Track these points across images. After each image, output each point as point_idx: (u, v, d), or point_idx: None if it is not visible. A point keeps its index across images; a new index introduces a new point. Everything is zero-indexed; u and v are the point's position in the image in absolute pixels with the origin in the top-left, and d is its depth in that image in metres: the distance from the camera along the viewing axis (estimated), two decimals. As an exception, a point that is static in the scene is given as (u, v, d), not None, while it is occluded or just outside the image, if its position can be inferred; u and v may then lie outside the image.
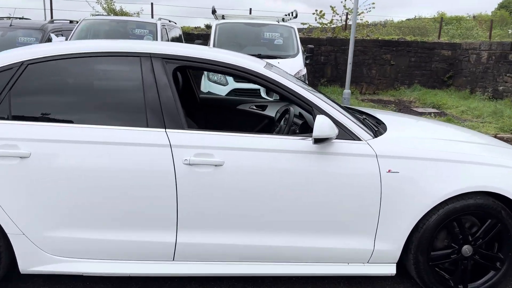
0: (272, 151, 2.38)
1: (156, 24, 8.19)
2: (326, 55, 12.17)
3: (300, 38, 8.31)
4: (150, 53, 2.44)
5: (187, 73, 3.71)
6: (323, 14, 13.93)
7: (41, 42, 7.82)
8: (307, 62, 7.96)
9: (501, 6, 35.83)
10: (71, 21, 9.86)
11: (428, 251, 2.51)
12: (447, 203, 2.45)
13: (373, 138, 2.49)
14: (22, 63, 2.36)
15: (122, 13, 14.02)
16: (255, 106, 3.96)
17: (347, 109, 2.93)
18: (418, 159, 2.44)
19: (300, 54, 7.61)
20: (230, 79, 6.82)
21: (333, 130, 2.30)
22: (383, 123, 2.99)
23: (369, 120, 2.95)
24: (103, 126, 2.33)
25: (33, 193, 2.26)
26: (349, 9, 14.03)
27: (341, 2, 13.89)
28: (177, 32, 9.91)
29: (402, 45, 12.34)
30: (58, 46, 2.45)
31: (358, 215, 2.44)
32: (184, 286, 2.68)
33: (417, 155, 2.45)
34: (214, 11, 8.37)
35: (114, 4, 14.18)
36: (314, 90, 2.90)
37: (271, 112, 3.93)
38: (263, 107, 3.96)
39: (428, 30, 22.36)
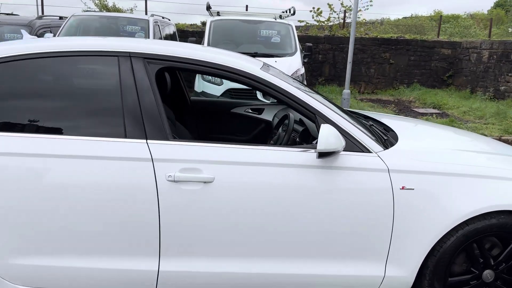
0: (269, 166, 2.08)
1: (148, 21, 7.87)
2: (324, 54, 11.88)
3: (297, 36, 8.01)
4: (129, 52, 2.14)
5: (176, 73, 3.40)
6: (320, 12, 13.65)
7: (27, 39, 7.47)
8: (305, 61, 7.66)
9: (497, 5, 35.73)
10: (60, 17, 9.53)
11: (445, 277, 2.23)
12: (467, 223, 2.17)
13: (384, 149, 2.20)
14: None
15: (115, 9, 13.67)
16: (251, 109, 3.66)
17: (351, 114, 2.63)
18: (436, 174, 2.16)
19: (298, 52, 7.32)
20: (224, 78, 6.53)
21: (340, 142, 2.01)
22: (392, 131, 2.70)
23: (376, 127, 2.66)
24: (72, 137, 2.03)
25: None
26: (347, 7, 13.78)
27: (339, -1, 13.62)
28: (171, 29, 9.59)
29: (401, 43, 12.06)
30: (18, 45, 2.15)
31: (367, 237, 2.16)
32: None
33: (435, 169, 2.17)
34: (208, 7, 8.06)
35: (106, 0, 13.83)
36: (315, 92, 2.61)
37: (268, 115, 3.63)
38: (260, 111, 3.67)
39: (425, 28, 22.14)
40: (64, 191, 1.98)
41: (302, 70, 7.07)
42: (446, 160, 2.25)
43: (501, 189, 2.19)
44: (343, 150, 2.10)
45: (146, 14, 12.16)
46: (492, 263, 2.28)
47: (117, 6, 13.85)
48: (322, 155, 2.02)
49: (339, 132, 2.08)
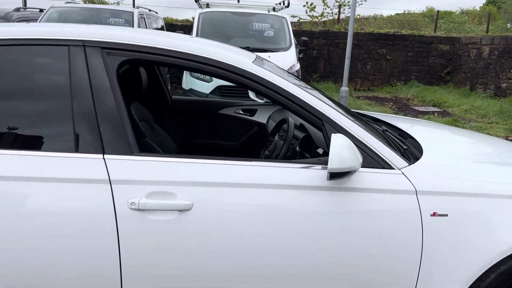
0: (265, 188, 1.62)
1: (132, 13, 7.35)
2: (319, 49, 11.43)
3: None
4: (83, 41, 1.65)
5: (154, 67, 2.92)
6: (314, 7, 13.20)
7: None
8: (300, 56, 7.20)
9: (489, 2, 35.51)
10: (41, 10, 8.96)
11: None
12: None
13: (409, 165, 1.74)
14: None
15: (101, 1, 13.08)
16: (242, 110, 3.19)
17: (361, 118, 2.17)
18: (475, 195, 1.71)
19: (293, 47, 6.84)
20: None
21: (357, 158, 1.55)
22: (411, 137, 2.24)
23: (391, 133, 2.20)
24: (3, 151, 1.55)
25: None
26: (341, 2, 13.34)
27: (333, -7, 13.17)
28: (158, 23, 9.07)
29: (398, 39, 11.65)
30: None
31: (388, 277, 1.70)
32: None
33: (474, 190, 1.72)
34: (197, -1, 7.55)
35: (92, -7, 13.23)
36: (318, 91, 2.14)
37: (261, 117, 3.17)
38: (252, 112, 3.20)
39: (418, 25, 21.80)
40: None
41: (298, 66, 6.60)
42: (486, 177, 1.80)
43: None
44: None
45: (134, 7, 11.60)
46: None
47: (103, -1, 13.27)
48: (334, 175, 1.56)
49: (355, 144, 1.62)
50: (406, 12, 28.00)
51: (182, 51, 1.71)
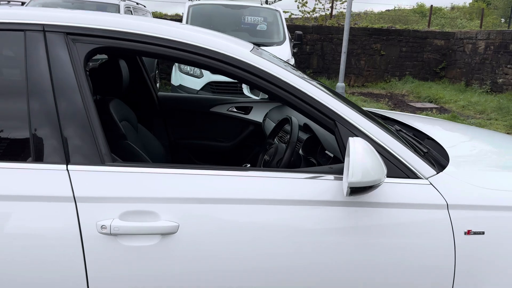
0: (267, 203, 1.34)
1: (118, 6, 7.01)
2: (312, 44, 11.15)
3: (285, 24, 7.23)
4: (43, 25, 1.35)
5: (137, 59, 2.61)
6: (306, 2, 12.91)
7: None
8: (295, 51, 6.92)
9: (477, -2, 35.58)
10: (22, 3, 8.57)
11: None
12: None
13: (437, 173, 1.47)
14: None
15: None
16: (236, 108, 2.90)
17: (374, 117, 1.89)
18: None
19: (287, 41, 6.56)
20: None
21: (382, 170, 1.27)
22: (429, 138, 1.97)
23: (406, 134, 1.92)
24: None
25: None
26: (334, -3, 13.10)
27: (326, -12, 12.91)
28: (146, 17, 8.72)
29: (392, 34, 11.41)
30: None
31: None
32: None
33: None
34: (186, -9, 7.22)
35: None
36: (326, 87, 1.86)
37: (257, 115, 2.88)
38: (247, 109, 2.91)
39: (409, 21, 21.66)
40: None
41: (292, 61, 6.32)
42: None
43: None
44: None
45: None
46: None
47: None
48: (355, 190, 1.27)
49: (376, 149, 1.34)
50: (396, 8, 27.90)
51: (166, 37, 1.42)
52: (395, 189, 1.39)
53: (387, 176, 1.39)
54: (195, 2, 6.99)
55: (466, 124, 2.62)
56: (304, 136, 2.09)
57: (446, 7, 28.87)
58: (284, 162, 1.68)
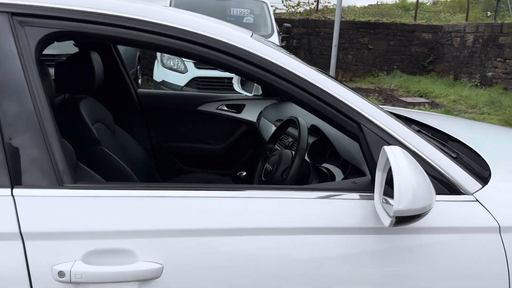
0: (278, 233, 1.04)
1: None
2: (299, 38, 10.88)
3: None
4: None
5: (112, 51, 2.28)
6: (290, -5, 12.60)
7: None
8: (283, 44, 6.62)
9: (459, -8, 35.81)
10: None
11: None
12: None
13: (482, 186, 1.19)
14: None
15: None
16: (227, 105, 2.59)
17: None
18: None
19: (276, 34, 6.26)
20: (190, 64, 5.36)
21: (431, 190, 0.97)
22: (455, 141, 1.69)
23: (429, 135, 1.63)
24: None
25: None
26: (320, -10, 12.82)
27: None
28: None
29: (380, 27, 11.22)
30: None
31: None
32: None
33: None
34: (168, -18, 6.83)
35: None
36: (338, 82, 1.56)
37: (251, 114, 2.58)
38: (239, 107, 2.61)
39: (392, 15, 21.56)
40: None
41: (281, 55, 6.01)
42: None
43: None
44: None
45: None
46: None
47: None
48: (401, 221, 0.97)
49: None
50: (379, 3, 27.83)
51: (143, 19, 1.10)
52: (437, 209, 1.10)
53: None
54: (177, -7, 6.62)
55: (486, 123, 2.34)
56: (309, 139, 1.79)
57: (428, 2, 28.95)
58: (292, 173, 1.38)
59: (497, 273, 1.12)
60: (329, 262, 1.05)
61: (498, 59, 9.45)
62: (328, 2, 13.11)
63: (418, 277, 1.09)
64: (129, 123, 2.40)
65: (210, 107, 2.57)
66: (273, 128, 2.18)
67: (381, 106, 1.28)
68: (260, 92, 2.64)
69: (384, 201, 1.04)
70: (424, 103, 8.16)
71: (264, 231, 1.03)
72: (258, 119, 2.49)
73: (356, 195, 1.11)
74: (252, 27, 6.47)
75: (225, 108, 2.58)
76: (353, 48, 11.19)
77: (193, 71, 5.35)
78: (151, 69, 8.23)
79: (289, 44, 10.67)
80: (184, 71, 5.42)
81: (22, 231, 0.92)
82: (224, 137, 2.58)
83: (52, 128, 0.99)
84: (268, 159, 1.59)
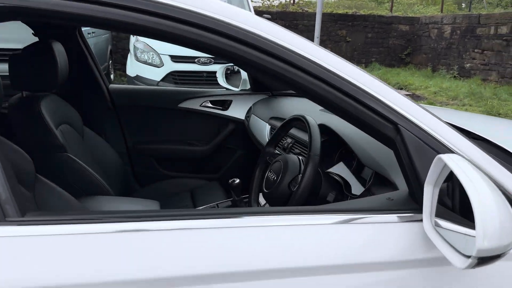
0: (289, 274, 0.79)
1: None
2: (276, 31, 10.62)
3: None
4: None
5: (78, 41, 1.98)
6: (265, -11, 12.34)
7: None
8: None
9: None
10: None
11: None
12: None
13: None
14: None
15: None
16: (211, 102, 2.32)
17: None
18: None
19: (255, 25, 5.98)
20: (166, 57, 5.03)
21: None
22: (477, 138, 1.47)
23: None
24: None
25: None
26: (295, -17, 12.59)
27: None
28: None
29: (358, 19, 11.10)
30: None
31: None
32: None
33: None
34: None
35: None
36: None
37: (238, 111, 2.32)
38: (225, 104, 2.34)
39: (366, 8, 21.58)
40: None
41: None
42: None
43: None
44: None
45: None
46: None
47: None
48: (483, 261, 0.73)
49: None
50: (351, -5, 27.88)
51: None
52: None
53: None
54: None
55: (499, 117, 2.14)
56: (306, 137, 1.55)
57: (401, -5, 29.17)
58: (304, 184, 1.12)
59: None
60: None
61: (476, 50, 9.45)
62: (301, -6, 12.95)
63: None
64: (100, 123, 2.11)
65: (193, 104, 2.29)
66: (267, 126, 1.93)
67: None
68: (248, 86, 2.38)
69: (435, 224, 0.80)
70: (405, 95, 8.07)
71: (272, 274, 0.78)
72: (247, 116, 2.23)
73: (393, 217, 0.87)
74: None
75: (210, 105, 2.31)
76: (331, 40, 11.04)
77: (170, 65, 5.03)
78: (125, 64, 7.84)
79: (267, 37, 10.41)
80: (159, 65, 5.10)
81: None
82: (209, 137, 2.31)
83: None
84: (269, 165, 1.33)
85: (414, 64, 11.36)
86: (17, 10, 0.80)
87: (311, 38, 10.39)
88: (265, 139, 1.87)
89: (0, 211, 0.69)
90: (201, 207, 1.73)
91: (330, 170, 1.35)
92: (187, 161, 2.33)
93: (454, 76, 9.69)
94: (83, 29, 2.16)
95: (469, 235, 0.71)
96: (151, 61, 5.13)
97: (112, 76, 7.58)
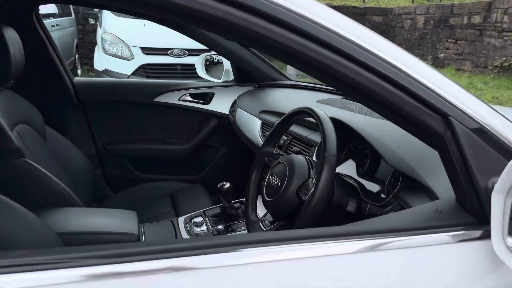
0: None
1: None
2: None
3: None
4: None
5: (36, 27, 1.72)
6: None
7: None
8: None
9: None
10: None
11: None
12: None
13: None
14: None
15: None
16: (191, 95, 2.10)
17: None
18: None
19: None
20: (136, 49, 4.74)
21: None
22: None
23: None
24: None
25: None
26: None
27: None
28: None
29: (332, 10, 11.02)
30: None
31: None
32: None
33: None
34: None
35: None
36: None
37: (221, 105, 2.10)
38: (206, 97, 2.12)
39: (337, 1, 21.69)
40: None
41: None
42: None
43: None
44: None
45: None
46: None
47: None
48: None
49: None
50: (323, -13, 28.02)
51: None
52: None
53: None
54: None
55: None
56: (315, 136, 1.34)
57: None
58: (320, 192, 0.90)
59: None
60: None
61: (449, 40, 9.51)
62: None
63: None
64: (65, 122, 1.86)
65: (171, 98, 2.07)
66: (258, 121, 1.72)
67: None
68: (232, 77, 2.16)
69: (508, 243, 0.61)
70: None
71: None
72: (232, 110, 2.02)
73: (446, 237, 0.67)
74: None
75: (189, 99, 2.10)
76: (306, 33, 10.94)
77: (141, 58, 4.75)
78: (92, 58, 7.46)
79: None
80: (130, 58, 4.81)
81: None
82: (189, 134, 2.10)
83: None
84: (269, 168, 1.12)
85: (388, 55, 11.40)
86: None
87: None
88: (256, 136, 1.67)
89: None
90: (185, 234, 1.47)
91: (339, 171, 1.15)
92: (165, 161, 2.12)
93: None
94: (45, 21, 1.90)
95: None
96: (121, 54, 4.83)
97: (79, 71, 7.20)
